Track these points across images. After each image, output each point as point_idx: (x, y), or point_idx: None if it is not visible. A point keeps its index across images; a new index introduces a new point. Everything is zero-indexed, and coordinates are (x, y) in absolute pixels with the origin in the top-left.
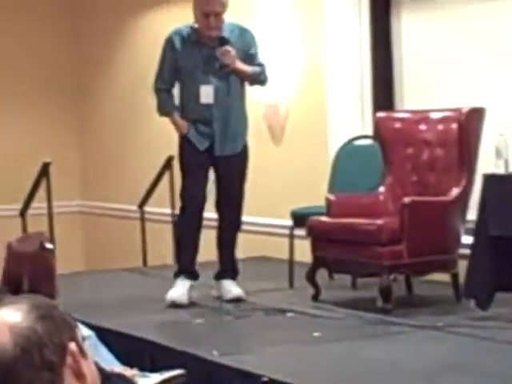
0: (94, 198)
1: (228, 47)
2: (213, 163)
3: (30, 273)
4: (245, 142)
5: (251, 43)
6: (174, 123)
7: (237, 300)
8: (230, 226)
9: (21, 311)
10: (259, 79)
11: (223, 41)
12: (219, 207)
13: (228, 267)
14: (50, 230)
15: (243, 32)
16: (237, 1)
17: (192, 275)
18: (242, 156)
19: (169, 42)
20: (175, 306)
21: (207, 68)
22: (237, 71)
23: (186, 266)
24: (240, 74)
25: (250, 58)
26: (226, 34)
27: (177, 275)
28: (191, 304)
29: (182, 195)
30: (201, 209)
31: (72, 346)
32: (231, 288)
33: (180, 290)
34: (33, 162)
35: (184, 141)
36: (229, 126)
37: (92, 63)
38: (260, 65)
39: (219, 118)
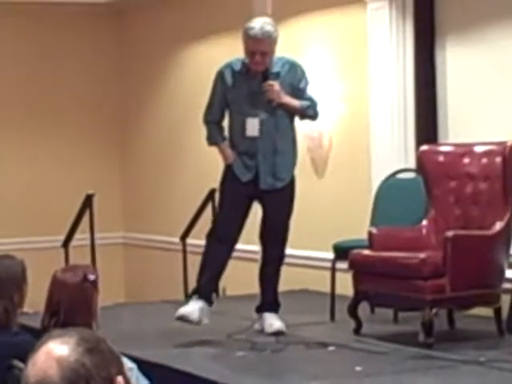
0: (136, 230)
1: (271, 82)
2: (258, 196)
3: (67, 302)
4: (292, 177)
5: (301, 78)
6: (221, 153)
7: (278, 333)
8: (273, 259)
9: (69, 344)
10: (308, 113)
11: (266, 75)
12: (263, 240)
13: (270, 300)
14: (92, 262)
15: (293, 66)
16: (284, 34)
17: (206, 298)
18: (288, 190)
19: (219, 75)
20: (184, 320)
21: (255, 101)
22: (283, 105)
23: (201, 289)
24: (287, 108)
25: (299, 92)
26: (276, 68)
27: (192, 295)
28: (232, 337)
29: (214, 220)
30: (230, 239)
31: (119, 379)
32: (273, 321)
33: (190, 307)
34: (76, 194)
35: (228, 170)
36: (274, 160)
37: (135, 95)
38: (309, 99)
39: (264, 151)
